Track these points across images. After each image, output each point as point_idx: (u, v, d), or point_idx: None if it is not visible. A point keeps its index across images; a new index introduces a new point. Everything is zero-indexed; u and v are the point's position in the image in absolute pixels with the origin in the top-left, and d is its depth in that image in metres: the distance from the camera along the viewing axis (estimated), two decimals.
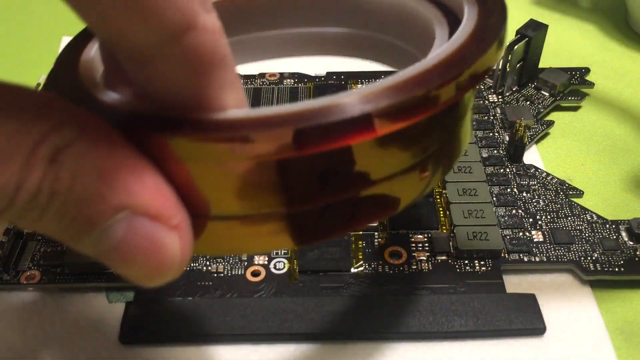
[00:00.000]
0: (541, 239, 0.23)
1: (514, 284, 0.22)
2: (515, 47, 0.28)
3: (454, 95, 0.12)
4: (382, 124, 0.11)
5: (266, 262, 0.23)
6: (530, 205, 0.24)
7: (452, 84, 0.12)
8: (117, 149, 0.11)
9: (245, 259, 0.23)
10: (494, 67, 0.29)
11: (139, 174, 0.12)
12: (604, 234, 0.23)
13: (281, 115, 0.11)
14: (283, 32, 0.20)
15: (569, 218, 0.24)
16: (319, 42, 0.20)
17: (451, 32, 0.15)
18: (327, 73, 0.31)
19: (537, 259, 0.23)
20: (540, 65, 0.30)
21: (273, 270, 0.23)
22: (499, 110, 0.29)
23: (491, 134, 0.27)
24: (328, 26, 0.20)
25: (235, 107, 0.12)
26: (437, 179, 0.15)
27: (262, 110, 0.11)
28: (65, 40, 0.35)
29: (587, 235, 0.23)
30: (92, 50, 0.16)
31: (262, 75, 0.31)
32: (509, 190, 0.25)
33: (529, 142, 0.27)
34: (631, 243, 0.23)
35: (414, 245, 0.23)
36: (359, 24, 0.19)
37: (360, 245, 0.23)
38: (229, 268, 0.23)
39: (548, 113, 0.29)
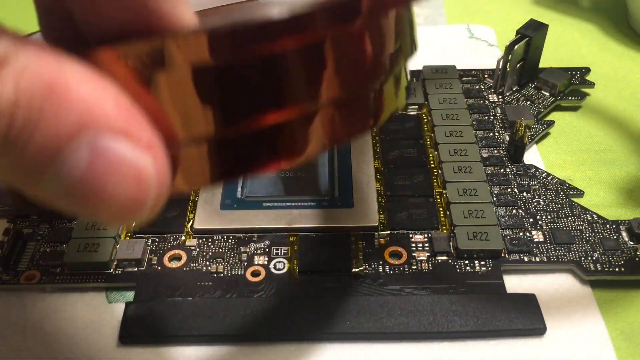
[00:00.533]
0: (541, 239, 0.23)
1: (514, 284, 0.22)
2: (516, 47, 0.28)
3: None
4: (298, 30, 0.11)
5: (266, 262, 0.23)
6: (531, 205, 0.24)
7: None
8: (65, 62, 0.10)
9: (245, 259, 0.23)
10: (495, 68, 0.29)
11: (96, 85, 0.10)
12: (604, 234, 0.23)
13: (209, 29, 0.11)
14: None
15: (569, 218, 0.24)
16: None
17: None
18: None
19: (538, 259, 0.22)
20: (540, 65, 0.30)
21: (273, 270, 0.22)
22: (499, 110, 0.29)
23: (491, 134, 0.27)
24: None
25: (187, 23, 0.11)
26: (363, 124, 0.14)
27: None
28: None
29: (587, 235, 0.23)
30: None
31: None
32: (509, 190, 0.25)
33: (529, 142, 0.27)
34: (631, 243, 0.23)
35: (414, 245, 0.23)
36: None
37: (360, 245, 0.23)
38: (229, 268, 0.23)
39: (548, 113, 0.29)
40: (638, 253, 0.22)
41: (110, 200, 0.10)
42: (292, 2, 0.11)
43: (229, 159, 0.12)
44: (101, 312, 0.22)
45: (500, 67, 0.29)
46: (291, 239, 0.24)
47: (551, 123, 0.28)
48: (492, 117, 0.28)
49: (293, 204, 0.24)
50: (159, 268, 0.23)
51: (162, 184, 0.11)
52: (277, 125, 0.12)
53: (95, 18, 0.12)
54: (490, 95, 0.29)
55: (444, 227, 0.24)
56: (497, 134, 0.27)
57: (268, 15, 0.11)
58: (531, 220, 0.24)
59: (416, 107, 0.29)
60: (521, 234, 0.23)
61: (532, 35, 0.28)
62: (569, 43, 0.34)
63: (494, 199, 0.25)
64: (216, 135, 0.12)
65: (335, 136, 0.13)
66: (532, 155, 0.27)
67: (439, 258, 0.23)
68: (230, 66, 0.11)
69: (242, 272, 0.22)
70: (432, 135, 0.27)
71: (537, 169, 0.26)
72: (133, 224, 0.11)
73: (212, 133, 0.12)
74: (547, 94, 0.29)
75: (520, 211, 0.24)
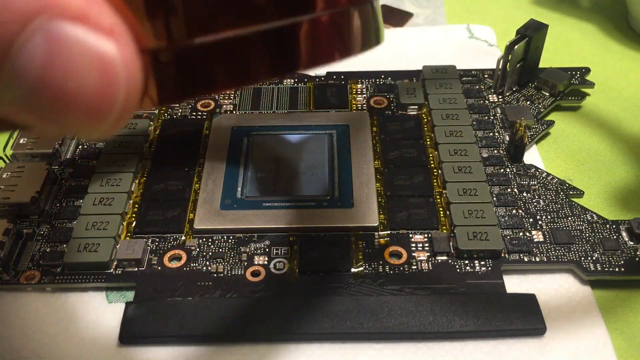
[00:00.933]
0: (541, 239, 0.23)
1: (514, 284, 0.22)
2: (515, 47, 0.28)
3: None
4: None
5: (266, 262, 0.23)
6: (531, 205, 0.24)
7: None
8: None
9: (245, 259, 0.23)
10: (495, 68, 0.29)
11: None
12: (604, 234, 0.23)
13: None
14: None
15: (569, 218, 0.24)
16: None
17: None
18: (327, 73, 0.31)
19: (537, 259, 0.22)
20: (540, 65, 0.30)
21: (273, 270, 0.22)
22: (499, 110, 0.29)
23: (491, 134, 0.27)
24: None
25: None
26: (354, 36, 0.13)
27: None
28: None
29: (587, 235, 0.23)
30: None
31: None
32: (509, 190, 0.25)
33: (529, 142, 0.27)
34: (631, 243, 0.23)
35: (414, 245, 0.23)
36: None
37: (360, 245, 0.23)
38: (229, 268, 0.23)
39: (548, 113, 0.29)
40: (638, 253, 0.22)
41: (76, 96, 0.09)
42: None
43: (192, 72, 0.11)
44: (101, 312, 0.22)
45: (500, 67, 0.29)
46: (291, 239, 0.24)
47: (551, 123, 0.28)
48: (492, 117, 0.28)
49: (293, 204, 0.24)
50: (159, 268, 0.23)
51: (131, 74, 0.10)
52: (241, 39, 0.11)
53: None
54: (490, 95, 0.29)
55: (444, 227, 0.24)
56: (497, 134, 0.27)
57: None
58: (531, 220, 0.24)
59: (416, 107, 0.29)
60: (521, 234, 0.23)
61: (532, 35, 0.28)
62: (569, 43, 0.34)
63: (494, 199, 0.25)
64: (174, 46, 0.11)
65: (301, 58, 0.12)
66: (532, 155, 0.27)
67: (439, 258, 0.23)
68: None
69: (242, 272, 0.22)
70: (432, 135, 0.27)
71: (537, 169, 0.26)
72: (106, 133, 0.10)
73: (170, 42, 0.11)
74: (547, 94, 0.29)
75: (520, 211, 0.24)
